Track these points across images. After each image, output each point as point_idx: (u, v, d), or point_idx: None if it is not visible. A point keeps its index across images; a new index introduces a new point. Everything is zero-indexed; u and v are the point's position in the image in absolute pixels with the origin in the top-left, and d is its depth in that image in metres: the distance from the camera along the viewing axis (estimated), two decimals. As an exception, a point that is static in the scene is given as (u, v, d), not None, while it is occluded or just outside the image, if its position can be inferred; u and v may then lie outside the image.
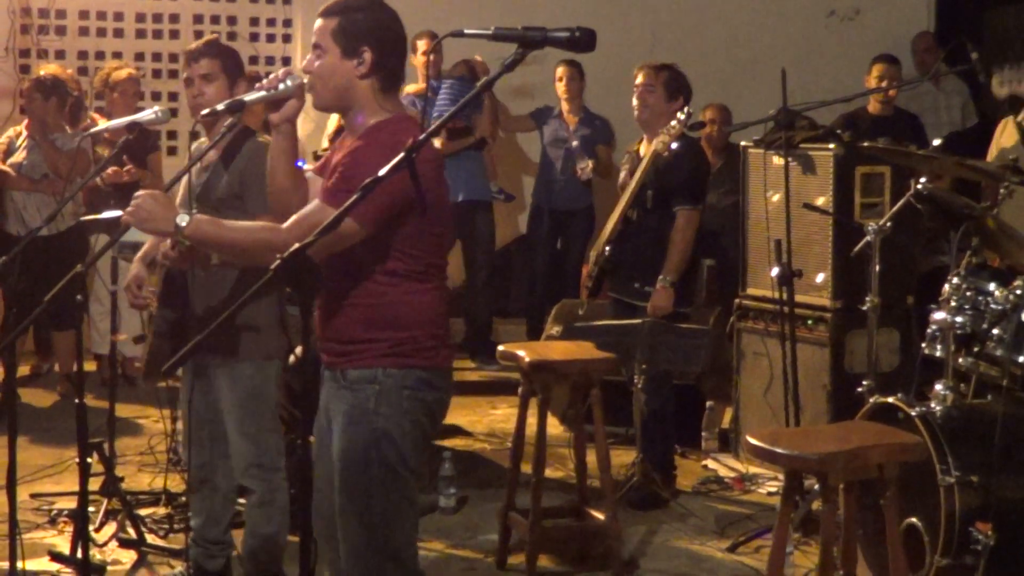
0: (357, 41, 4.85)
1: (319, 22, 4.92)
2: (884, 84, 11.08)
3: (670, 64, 8.45)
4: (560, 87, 11.77)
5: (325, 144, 9.17)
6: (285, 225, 4.71)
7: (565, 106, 11.85)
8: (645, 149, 8.14)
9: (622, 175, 8.37)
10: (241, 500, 6.82)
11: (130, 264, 6.94)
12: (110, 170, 10.30)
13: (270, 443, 6.42)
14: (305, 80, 4.90)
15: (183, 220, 4.71)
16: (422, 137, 4.25)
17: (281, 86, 4.83)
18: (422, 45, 11.09)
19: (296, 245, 3.94)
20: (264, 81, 4.91)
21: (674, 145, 7.85)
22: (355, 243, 4.66)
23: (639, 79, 8.43)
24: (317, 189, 5.06)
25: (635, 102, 8.42)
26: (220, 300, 6.35)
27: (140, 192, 4.84)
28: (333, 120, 8.95)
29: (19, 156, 10.46)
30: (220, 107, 5.16)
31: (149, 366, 7.40)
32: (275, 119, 4.93)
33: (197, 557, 6.75)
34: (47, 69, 10.91)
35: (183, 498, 7.62)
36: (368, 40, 4.85)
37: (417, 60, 11.10)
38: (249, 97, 4.95)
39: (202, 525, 6.76)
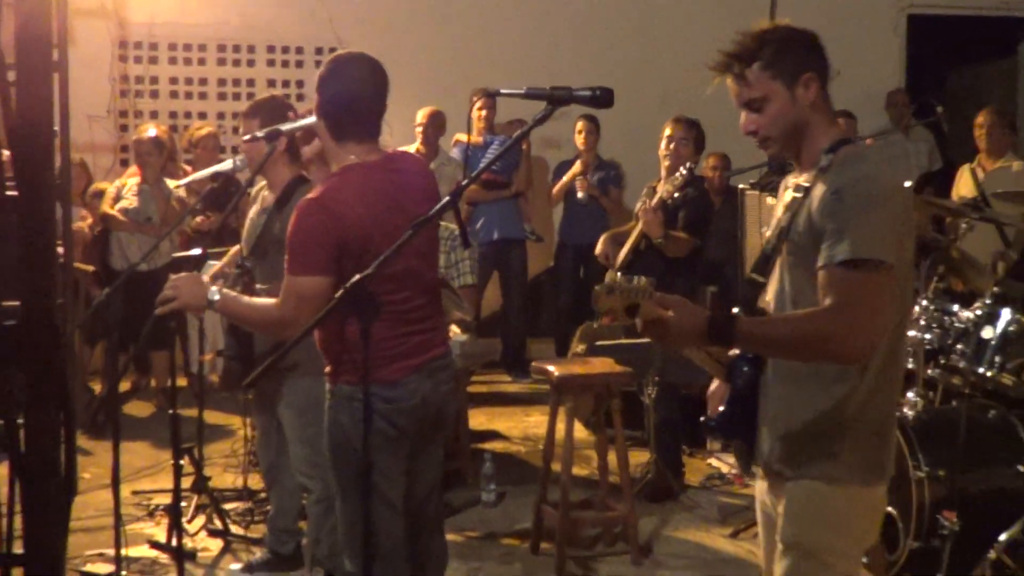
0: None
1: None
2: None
3: (696, 120, 8.37)
4: (579, 139, 11.78)
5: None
6: (275, 303, 4.75)
7: (584, 156, 11.86)
8: (661, 184, 8.09)
9: (639, 205, 8.31)
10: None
11: None
12: (198, 219, 10.37)
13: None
14: None
15: (214, 296, 4.79)
16: (465, 182, 4.25)
17: (310, 119, 4.87)
18: (479, 102, 11.09)
19: (357, 276, 3.94)
20: (303, 110, 4.95)
21: (676, 194, 7.83)
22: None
23: (673, 131, 8.20)
24: None
25: (665, 149, 8.19)
26: None
27: (175, 276, 4.92)
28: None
29: (127, 202, 10.47)
30: (259, 134, 5.21)
31: (223, 381, 7.45)
32: (307, 152, 4.96)
33: (272, 544, 6.84)
34: (147, 128, 10.95)
35: (262, 494, 7.65)
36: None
37: (474, 114, 11.14)
38: (285, 127, 4.99)
39: (274, 516, 6.85)
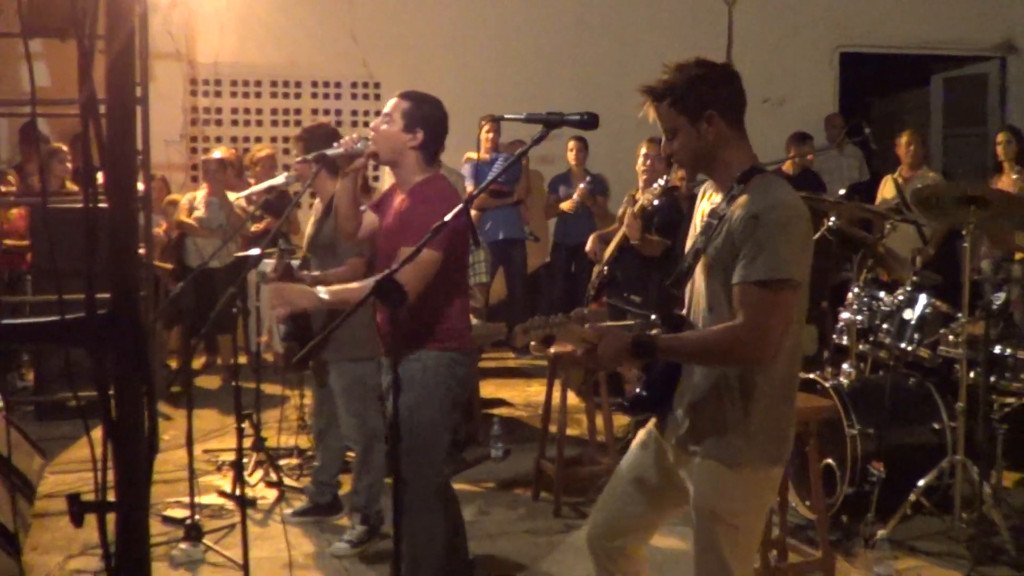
0: (415, 122, 4.90)
1: (394, 100, 4.97)
2: (793, 153, 11.20)
3: None
4: (571, 156, 11.78)
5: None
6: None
7: (574, 170, 11.87)
8: (640, 194, 8.09)
9: (621, 209, 8.29)
10: (350, 453, 6.87)
11: (267, 288, 7.02)
12: (258, 224, 10.40)
13: (367, 417, 6.44)
14: (370, 139, 4.95)
15: (324, 295, 4.81)
16: (475, 192, 4.28)
17: (359, 146, 4.89)
18: (486, 126, 11.10)
19: (387, 271, 3.95)
20: (345, 139, 4.97)
21: (656, 202, 7.82)
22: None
23: (648, 150, 8.19)
24: (371, 220, 5.16)
25: (642, 165, 8.22)
26: (325, 313, 6.41)
27: (279, 286, 4.97)
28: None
29: (199, 212, 10.49)
30: (310, 157, 5.25)
31: (284, 359, 7.47)
32: (348, 169, 4.98)
33: (313, 495, 6.88)
34: (214, 151, 11.00)
35: (309, 452, 7.67)
36: (424, 123, 4.90)
37: (482, 136, 11.13)
38: (331, 151, 5.01)
39: (317, 471, 6.90)
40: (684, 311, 3.85)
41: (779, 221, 3.46)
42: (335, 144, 5.09)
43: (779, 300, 3.44)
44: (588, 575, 4.27)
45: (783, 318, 3.47)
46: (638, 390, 3.86)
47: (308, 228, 6.55)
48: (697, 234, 3.76)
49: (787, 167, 11.06)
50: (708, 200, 3.81)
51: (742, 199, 3.55)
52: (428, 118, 4.90)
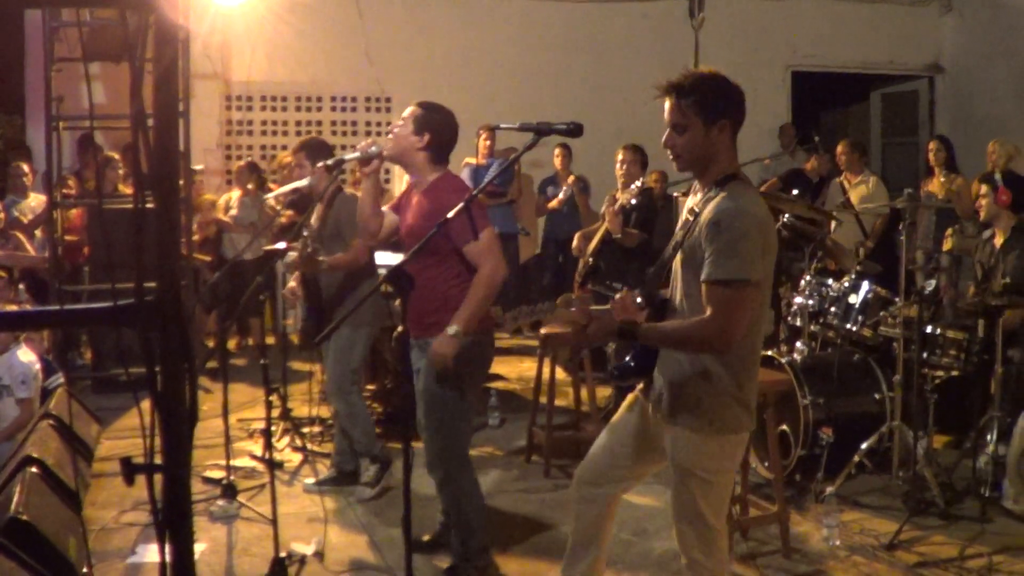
0: (423, 127, 4.88)
1: (411, 108, 4.96)
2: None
3: (640, 146, 8.37)
4: (557, 161, 11.75)
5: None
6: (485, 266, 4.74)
7: (560, 172, 11.86)
8: (619, 194, 8.09)
9: (603, 207, 8.29)
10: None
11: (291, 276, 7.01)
12: (283, 217, 10.40)
13: (347, 376, 6.40)
14: (384, 145, 4.92)
15: (454, 330, 4.68)
16: (475, 192, 4.27)
17: (372, 149, 4.86)
18: (484, 133, 11.11)
19: (399, 261, 3.95)
20: (361, 144, 4.94)
21: (633, 201, 7.82)
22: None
23: (624, 156, 8.15)
24: (392, 219, 5.14)
25: (620, 169, 8.14)
26: (336, 291, 6.42)
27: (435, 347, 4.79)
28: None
29: (233, 211, 10.50)
30: (329, 162, 5.22)
31: (301, 337, 7.44)
32: (366, 171, 4.96)
33: (339, 463, 6.74)
34: (246, 159, 11.02)
35: (330, 421, 7.64)
36: (431, 128, 4.89)
37: (480, 144, 11.11)
38: (347, 156, 4.99)
39: (340, 440, 6.74)
40: (667, 293, 3.85)
41: (741, 228, 3.45)
42: (352, 149, 5.07)
43: (740, 297, 3.45)
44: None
45: (744, 313, 3.48)
46: (627, 358, 3.87)
47: (312, 221, 6.49)
48: (678, 228, 3.77)
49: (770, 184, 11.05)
50: (693, 195, 3.81)
51: (715, 201, 3.55)
52: (435, 124, 4.89)
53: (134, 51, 1.97)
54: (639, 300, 3.81)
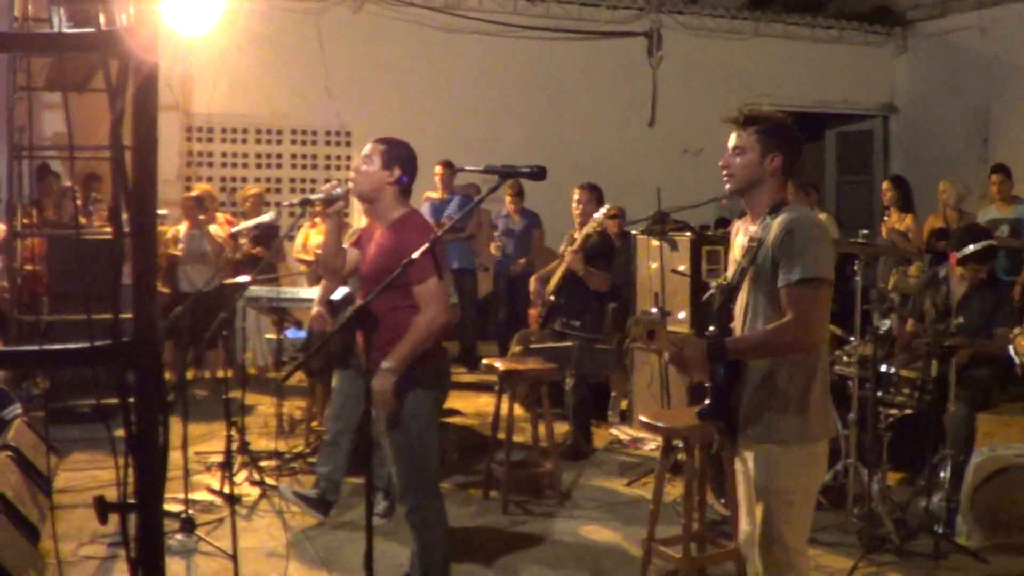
0: (392, 161, 4.90)
1: (371, 144, 4.96)
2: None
3: (596, 185, 8.53)
4: (508, 200, 11.89)
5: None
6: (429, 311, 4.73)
7: (510, 208, 11.97)
8: (578, 233, 8.17)
9: (562, 247, 8.39)
10: None
11: (253, 310, 6.97)
12: (247, 249, 10.39)
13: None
14: (349, 182, 4.94)
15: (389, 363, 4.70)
16: (441, 232, 4.31)
17: (337, 190, 4.90)
18: (439, 169, 11.20)
19: (361, 302, 3.96)
20: (325, 187, 4.96)
21: (593, 238, 7.92)
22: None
23: (580, 195, 8.41)
24: (354, 255, 5.15)
25: (577, 207, 8.42)
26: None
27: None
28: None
29: (183, 244, 10.52)
30: (295, 202, 5.23)
31: (304, 369, 7.36)
32: (328, 211, 4.98)
33: (325, 492, 6.59)
34: (192, 191, 11.07)
35: (286, 455, 7.59)
36: (400, 161, 4.91)
37: (436, 179, 11.19)
38: (314, 196, 5.01)
39: (332, 471, 6.59)
40: (732, 323, 3.99)
41: (813, 233, 3.72)
42: (317, 190, 5.08)
43: (819, 296, 3.68)
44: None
45: (824, 311, 3.73)
46: (706, 402, 3.98)
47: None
48: (738, 260, 3.96)
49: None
50: (743, 234, 4.01)
51: (779, 219, 3.79)
52: (403, 157, 4.91)
53: (114, 97, 1.99)
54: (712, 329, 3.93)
